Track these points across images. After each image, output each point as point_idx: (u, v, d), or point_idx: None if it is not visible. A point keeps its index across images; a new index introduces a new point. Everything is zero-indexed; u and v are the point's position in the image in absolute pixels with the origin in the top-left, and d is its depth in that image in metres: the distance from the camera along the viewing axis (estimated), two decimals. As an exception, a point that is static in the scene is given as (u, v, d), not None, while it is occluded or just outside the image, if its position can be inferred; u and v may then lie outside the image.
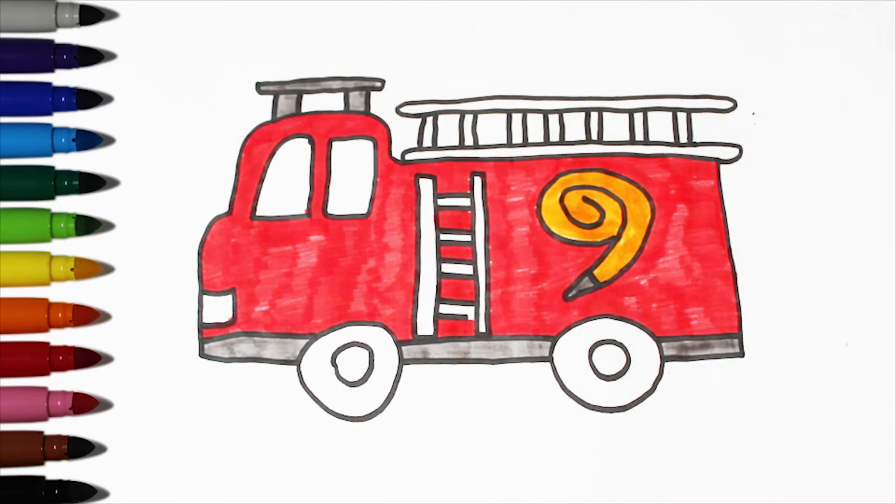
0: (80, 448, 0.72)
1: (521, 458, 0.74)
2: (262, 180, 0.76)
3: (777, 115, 0.78)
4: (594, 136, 0.77)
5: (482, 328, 0.75)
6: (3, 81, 0.76)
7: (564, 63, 0.78)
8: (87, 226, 0.75)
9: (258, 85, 0.77)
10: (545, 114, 0.77)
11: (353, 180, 0.76)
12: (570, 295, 0.75)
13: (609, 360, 0.75)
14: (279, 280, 0.75)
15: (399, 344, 0.75)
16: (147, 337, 0.74)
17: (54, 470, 0.73)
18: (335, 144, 0.77)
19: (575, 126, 0.77)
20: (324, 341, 0.74)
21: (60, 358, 0.73)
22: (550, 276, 0.75)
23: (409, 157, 0.77)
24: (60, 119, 0.76)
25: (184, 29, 0.78)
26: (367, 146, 0.77)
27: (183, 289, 0.75)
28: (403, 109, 0.77)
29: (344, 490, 0.73)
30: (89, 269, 0.74)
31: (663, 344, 0.75)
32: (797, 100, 0.78)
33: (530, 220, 0.76)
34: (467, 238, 0.76)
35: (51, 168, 0.76)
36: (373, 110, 0.77)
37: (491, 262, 0.76)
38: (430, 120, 0.77)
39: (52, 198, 0.75)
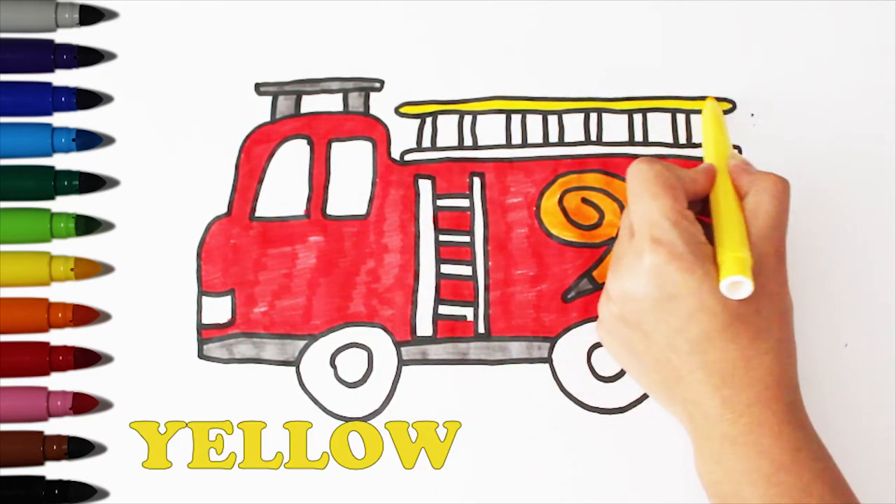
0: (80, 448, 0.73)
1: (520, 458, 0.74)
2: (261, 181, 0.76)
3: (776, 116, 0.78)
4: (593, 137, 0.77)
5: (481, 329, 0.75)
6: (3, 81, 0.77)
7: (563, 64, 0.78)
8: (87, 226, 0.75)
9: (257, 86, 0.77)
10: (544, 115, 0.77)
11: (352, 181, 0.76)
12: (568, 296, 0.75)
13: (608, 361, 0.74)
14: (278, 281, 0.75)
15: (398, 345, 0.75)
16: (147, 337, 0.74)
17: (54, 470, 0.73)
18: (334, 145, 0.77)
19: (574, 127, 0.77)
20: (323, 342, 0.74)
21: (60, 358, 0.73)
22: (549, 278, 0.75)
23: (408, 157, 0.77)
24: (60, 119, 0.77)
25: (184, 29, 0.78)
26: (366, 147, 0.77)
27: (182, 289, 0.75)
28: (402, 110, 0.77)
29: (343, 490, 0.73)
30: (89, 269, 0.75)
31: (662, 345, 0.75)
32: (796, 101, 0.78)
33: (529, 221, 0.76)
34: (466, 239, 0.76)
35: (51, 168, 0.76)
36: (372, 111, 0.77)
37: (490, 263, 0.76)
38: (429, 120, 0.77)
39: (52, 198, 0.76)
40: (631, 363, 0.70)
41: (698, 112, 0.78)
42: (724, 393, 0.66)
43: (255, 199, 0.76)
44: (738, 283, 0.65)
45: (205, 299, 0.75)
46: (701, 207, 0.71)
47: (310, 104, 0.77)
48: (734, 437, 0.66)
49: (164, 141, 0.77)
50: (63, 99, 0.76)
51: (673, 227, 0.66)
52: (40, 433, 0.73)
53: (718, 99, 0.78)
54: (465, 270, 0.75)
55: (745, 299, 0.66)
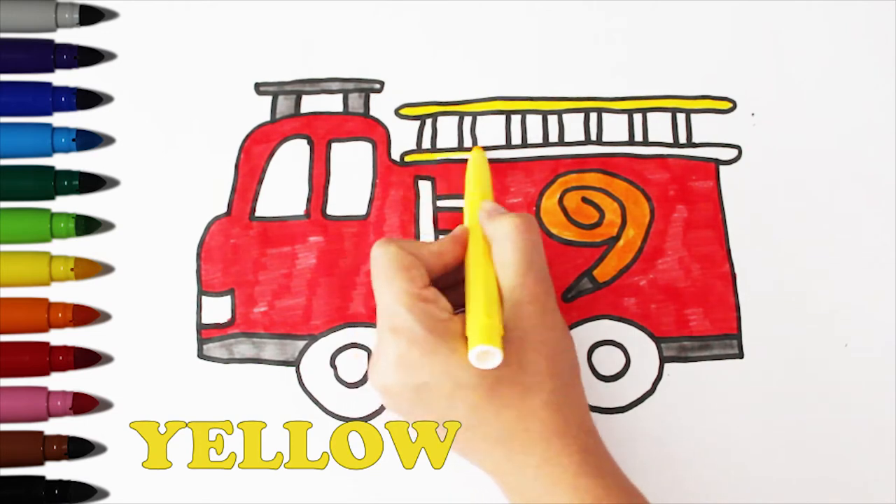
0: (80, 448, 0.73)
1: (520, 458, 0.74)
2: (261, 181, 0.76)
3: (776, 115, 0.78)
4: (593, 137, 0.77)
5: (481, 329, 0.75)
6: (3, 81, 0.77)
7: (563, 64, 0.78)
8: (87, 226, 0.75)
9: (257, 85, 0.77)
10: (544, 115, 0.77)
11: (352, 181, 0.76)
12: (569, 296, 0.75)
13: (608, 360, 0.75)
14: (278, 281, 0.75)
15: (398, 345, 0.74)
16: (146, 337, 0.74)
17: (54, 470, 0.73)
18: (334, 145, 0.77)
19: (574, 127, 0.77)
20: (323, 342, 0.74)
21: (60, 358, 0.73)
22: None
23: (408, 158, 0.77)
24: (60, 119, 0.77)
25: (184, 29, 0.78)
26: (366, 148, 0.77)
27: (182, 289, 0.75)
28: (402, 112, 0.77)
29: (343, 490, 0.73)
30: (89, 269, 0.75)
31: (662, 345, 0.75)
32: (796, 101, 0.78)
33: (529, 221, 0.76)
34: (466, 239, 0.76)
35: (51, 168, 0.76)
36: (372, 112, 0.77)
37: (490, 264, 0.75)
38: (428, 122, 0.77)
39: (52, 198, 0.76)
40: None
41: (698, 112, 0.78)
42: (515, 459, 0.65)
43: (255, 198, 0.76)
44: (486, 353, 0.62)
45: (205, 299, 0.75)
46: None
47: (310, 104, 0.77)
48: (535, 498, 0.64)
49: (164, 141, 0.77)
50: (63, 99, 0.76)
51: (408, 313, 0.64)
52: (40, 433, 0.73)
53: (718, 98, 0.78)
54: (465, 270, 0.75)
55: (506, 358, 0.63)
